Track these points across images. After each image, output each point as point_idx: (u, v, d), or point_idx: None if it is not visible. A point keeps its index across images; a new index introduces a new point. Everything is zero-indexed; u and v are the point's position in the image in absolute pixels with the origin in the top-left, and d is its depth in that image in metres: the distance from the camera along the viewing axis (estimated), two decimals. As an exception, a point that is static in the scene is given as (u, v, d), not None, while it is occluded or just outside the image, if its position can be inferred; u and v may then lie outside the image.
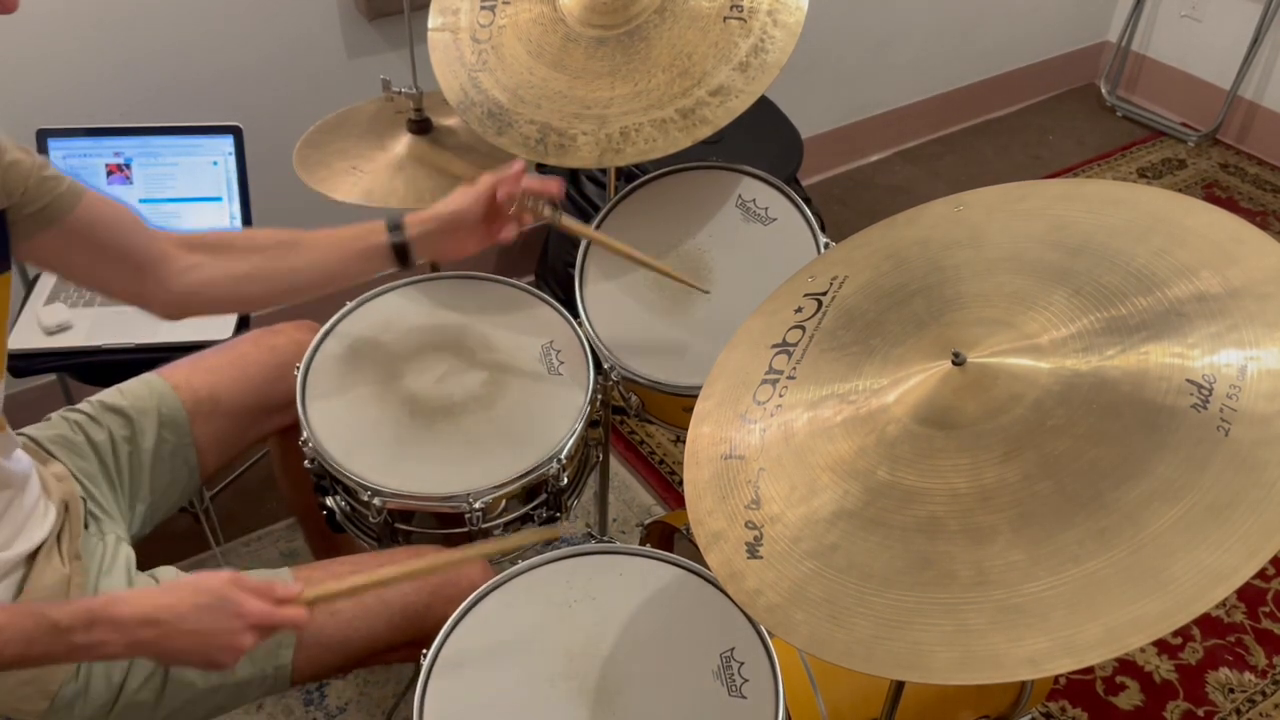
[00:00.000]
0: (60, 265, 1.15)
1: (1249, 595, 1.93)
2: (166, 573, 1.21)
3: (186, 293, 1.21)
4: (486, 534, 1.30)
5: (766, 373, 1.02)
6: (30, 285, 1.73)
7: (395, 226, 1.26)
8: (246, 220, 1.78)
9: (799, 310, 1.06)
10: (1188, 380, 0.80)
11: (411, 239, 1.26)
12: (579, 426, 1.32)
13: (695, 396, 1.06)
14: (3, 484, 1.08)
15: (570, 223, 1.36)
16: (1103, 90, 3.34)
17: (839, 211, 2.87)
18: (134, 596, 0.99)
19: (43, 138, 1.71)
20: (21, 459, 1.12)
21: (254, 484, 2.05)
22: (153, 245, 1.18)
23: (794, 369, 1.00)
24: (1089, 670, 1.81)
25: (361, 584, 1.11)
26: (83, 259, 1.14)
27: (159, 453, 1.33)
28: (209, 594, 0.99)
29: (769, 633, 1.09)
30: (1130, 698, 1.77)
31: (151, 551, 1.30)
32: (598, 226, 1.51)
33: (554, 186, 1.30)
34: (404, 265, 1.28)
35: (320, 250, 1.26)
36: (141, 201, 1.76)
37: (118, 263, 1.16)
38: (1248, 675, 1.80)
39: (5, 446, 1.10)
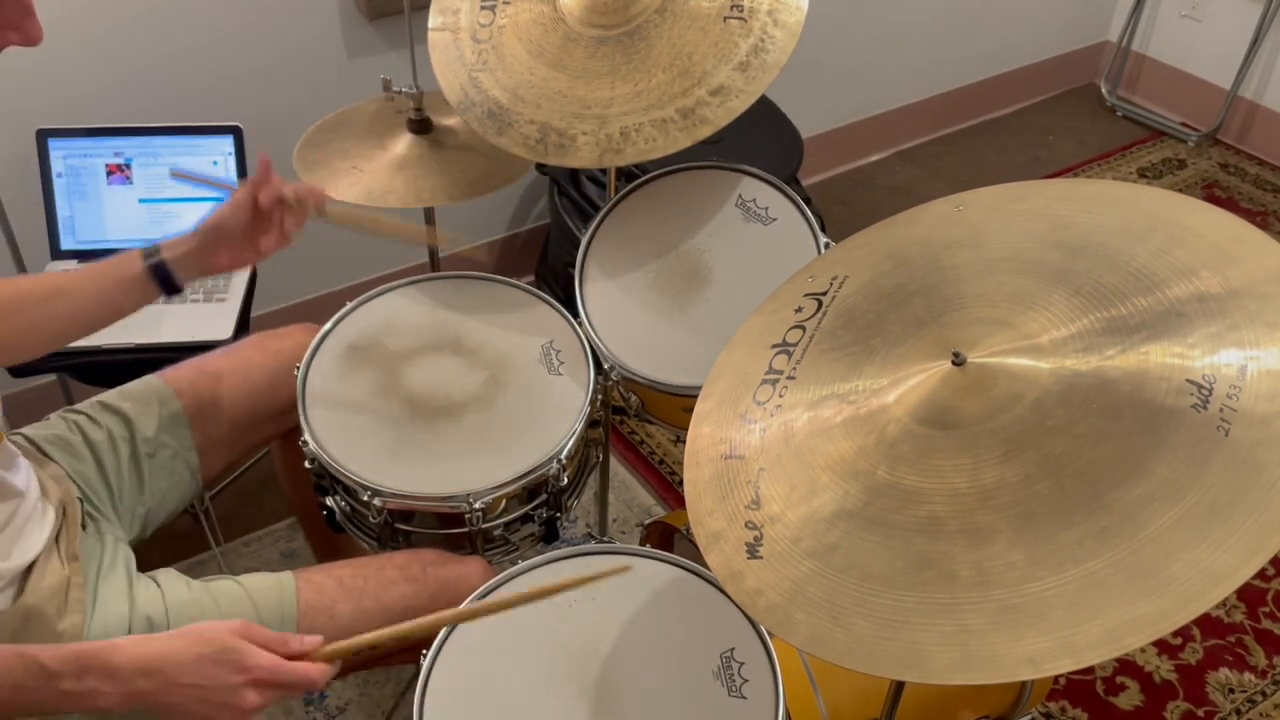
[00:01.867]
0: None
1: (1249, 595, 1.93)
2: (167, 574, 1.21)
3: None
4: (487, 534, 1.30)
5: (766, 373, 1.02)
6: (30, 285, 1.73)
7: (151, 252, 1.20)
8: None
9: (799, 310, 1.06)
10: (1188, 380, 0.80)
11: (169, 260, 1.20)
12: (579, 426, 1.32)
13: (695, 396, 1.06)
14: (2, 497, 1.08)
15: (340, 213, 1.31)
16: (1103, 90, 3.34)
17: (839, 211, 2.87)
18: (131, 644, 0.92)
19: (43, 138, 1.71)
20: (21, 468, 1.12)
21: (254, 484, 2.05)
22: None
23: (794, 369, 1.00)
24: (1089, 670, 1.81)
25: (385, 636, 1.00)
26: None
27: (159, 456, 1.33)
28: (211, 644, 0.91)
29: (769, 633, 1.09)
30: (1130, 698, 1.77)
31: (152, 551, 1.30)
32: (598, 226, 1.51)
33: (316, 189, 1.26)
34: (170, 291, 1.21)
35: (83, 293, 1.20)
36: (141, 202, 1.76)
37: None
38: (1248, 675, 1.80)
39: (6, 459, 1.10)
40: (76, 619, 1.10)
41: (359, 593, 1.20)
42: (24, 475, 1.12)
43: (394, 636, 1.01)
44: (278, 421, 1.42)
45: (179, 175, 1.34)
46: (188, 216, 1.77)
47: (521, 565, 1.18)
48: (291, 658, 0.94)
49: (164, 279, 1.20)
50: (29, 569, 1.09)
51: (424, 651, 1.10)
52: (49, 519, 1.13)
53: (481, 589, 1.16)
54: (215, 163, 1.76)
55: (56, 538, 1.14)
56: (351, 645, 0.97)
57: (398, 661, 1.27)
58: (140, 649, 0.91)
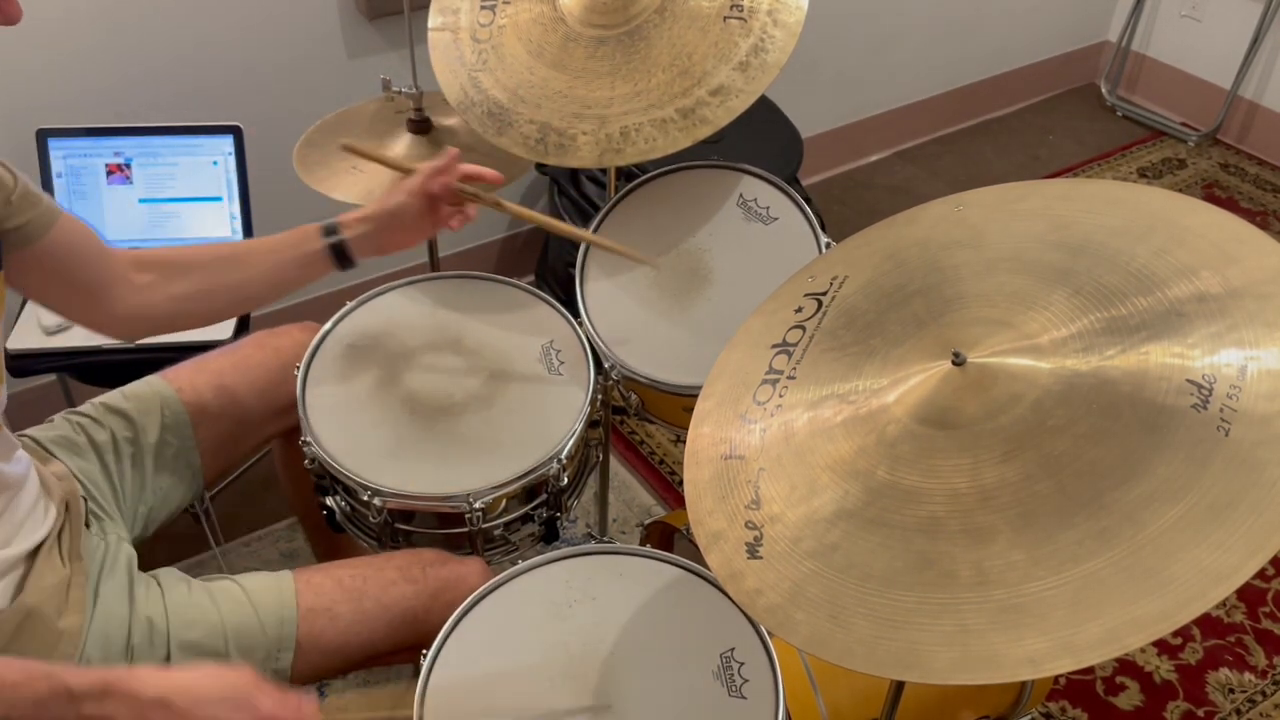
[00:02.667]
0: (23, 284, 1.14)
1: (1249, 595, 1.93)
2: (168, 574, 1.21)
3: (134, 316, 1.21)
4: (487, 534, 1.30)
5: (766, 373, 1.02)
6: (30, 285, 1.73)
7: (330, 230, 1.26)
8: (246, 220, 1.78)
9: (799, 310, 1.06)
10: (1188, 380, 0.80)
11: (349, 240, 1.26)
12: (579, 426, 1.32)
13: (695, 396, 1.06)
14: (1, 486, 1.08)
15: (513, 206, 1.37)
16: (1103, 90, 3.35)
17: (839, 211, 2.87)
18: (153, 674, 0.95)
19: (43, 138, 1.71)
20: (21, 460, 1.12)
21: (254, 484, 2.05)
22: (111, 269, 1.18)
23: (794, 369, 1.00)
24: (1089, 670, 1.81)
25: (384, 717, 1.08)
26: (41, 279, 1.14)
27: (161, 455, 1.33)
28: (231, 687, 0.95)
29: (769, 633, 1.09)
30: (1130, 698, 1.77)
31: (152, 551, 1.30)
32: (598, 226, 1.51)
33: (490, 172, 1.31)
34: (344, 267, 1.28)
35: (259, 263, 1.26)
36: (141, 201, 1.76)
37: (76, 287, 1.16)
38: (1248, 675, 1.80)
39: (5, 449, 1.10)
40: (76, 618, 1.10)
41: (358, 593, 1.20)
42: (23, 466, 1.12)
43: (396, 715, 1.05)
44: (279, 420, 1.42)
45: (353, 150, 1.39)
46: (188, 216, 1.77)
47: (521, 566, 1.18)
48: (295, 716, 0.97)
49: (341, 257, 1.27)
50: (29, 567, 1.09)
51: (424, 651, 1.10)
52: (50, 515, 1.13)
53: (478, 592, 1.16)
54: (215, 163, 1.76)
55: (59, 536, 1.14)
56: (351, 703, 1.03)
57: (395, 661, 1.27)
58: (162, 679, 0.94)
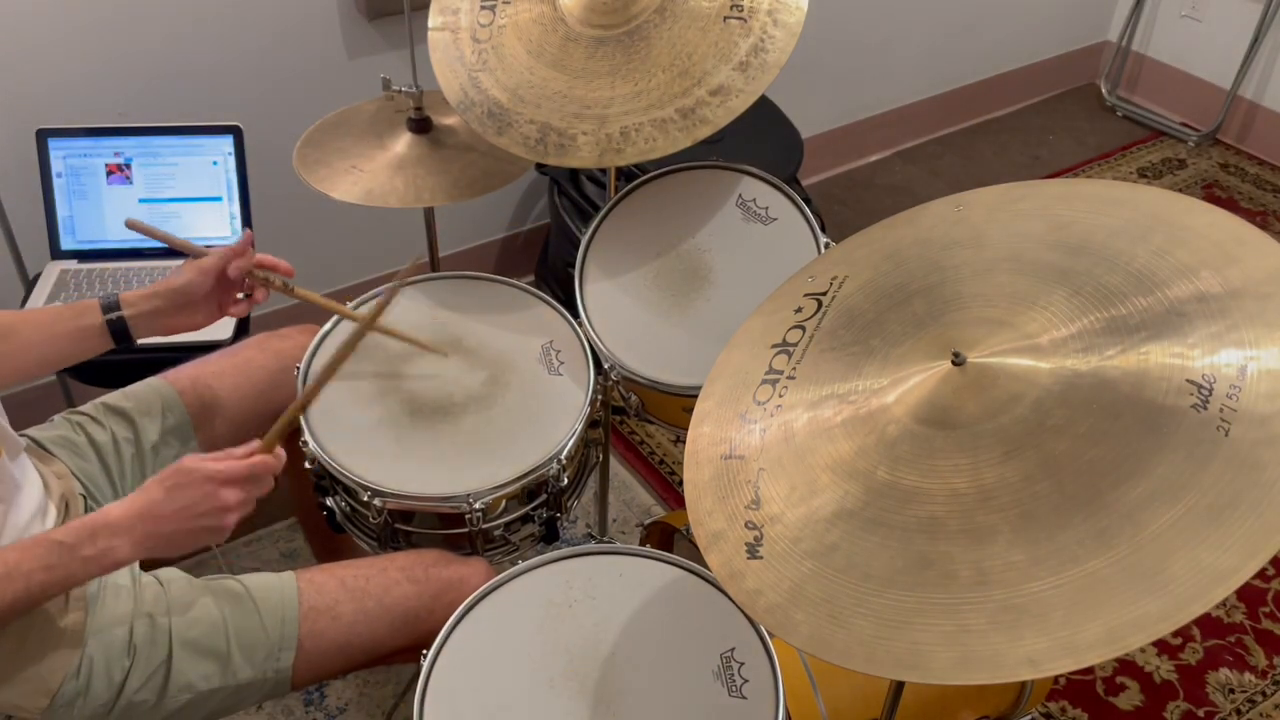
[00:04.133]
0: None
1: (1249, 595, 1.93)
2: (169, 573, 1.21)
3: None
4: (487, 534, 1.30)
5: (766, 373, 1.02)
6: (30, 285, 1.73)
7: (110, 306, 1.21)
8: (246, 219, 1.78)
9: (799, 310, 1.06)
10: (1188, 380, 0.80)
11: (129, 317, 1.22)
12: (579, 426, 1.32)
13: (695, 396, 1.06)
14: (9, 487, 1.08)
15: (305, 293, 1.33)
16: (1103, 90, 3.34)
17: (839, 211, 2.87)
18: (118, 503, 1.04)
19: (43, 138, 1.71)
20: (25, 460, 1.12)
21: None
22: None
23: (794, 369, 1.00)
24: (1089, 670, 1.81)
25: (299, 405, 1.16)
26: None
27: (161, 456, 1.33)
28: (175, 476, 1.04)
29: (769, 633, 1.09)
30: (1130, 698, 1.77)
31: (152, 551, 1.30)
32: (598, 226, 1.51)
33: (283, 264, 1.29)
34: (124, 344, 1.23)
35: (30, 335, 1.20)
36: (141, 201, 1.76)
37: None
38: (1248, 675, 1.80)
39: (12, 448, 1.10)
40: (78, 616, 1.11)
41: (361, 593, 1.21)
42: (27, 467, 1.12)
43: (302, 399, 1.18)
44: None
45: (135, 228, 1.31)
46: (188, 216, 1.77)
47: (521, 566, 1.18)
48: (241, 458, 1.07)
49: (120, 334, 1.22)
50: None
51: (424, 651, 1.10)
52: (51, 515, 1.13)
53: (479, 591, 1.16)
54: (215, 163, 1.76)
55: None
56: (281, 426, 1.12)
57: (398, 661, 1.27)
58: (125, 506, 1.03)
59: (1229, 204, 2.96)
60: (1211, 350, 0.81)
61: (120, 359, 1.60)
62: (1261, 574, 1.57)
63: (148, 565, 1.23)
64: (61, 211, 1.74)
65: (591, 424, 1.38)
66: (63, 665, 1.08)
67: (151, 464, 1.32)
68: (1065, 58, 3.32)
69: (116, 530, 1.01)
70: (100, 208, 1.75)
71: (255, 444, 1.10)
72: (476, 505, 1.24)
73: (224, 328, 1.65)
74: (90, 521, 1.01)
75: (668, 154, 1.34)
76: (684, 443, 1.05)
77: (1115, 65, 3.33)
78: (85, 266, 1.74)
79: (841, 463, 0.89)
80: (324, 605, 1.19)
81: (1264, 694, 1.77)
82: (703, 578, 1.15)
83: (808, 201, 1.53)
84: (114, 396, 1.34)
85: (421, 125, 1.58)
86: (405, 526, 1.31)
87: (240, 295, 1.30)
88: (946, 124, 3.22)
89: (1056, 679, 1.74)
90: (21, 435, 1.24)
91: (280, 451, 1.11)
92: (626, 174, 1.77)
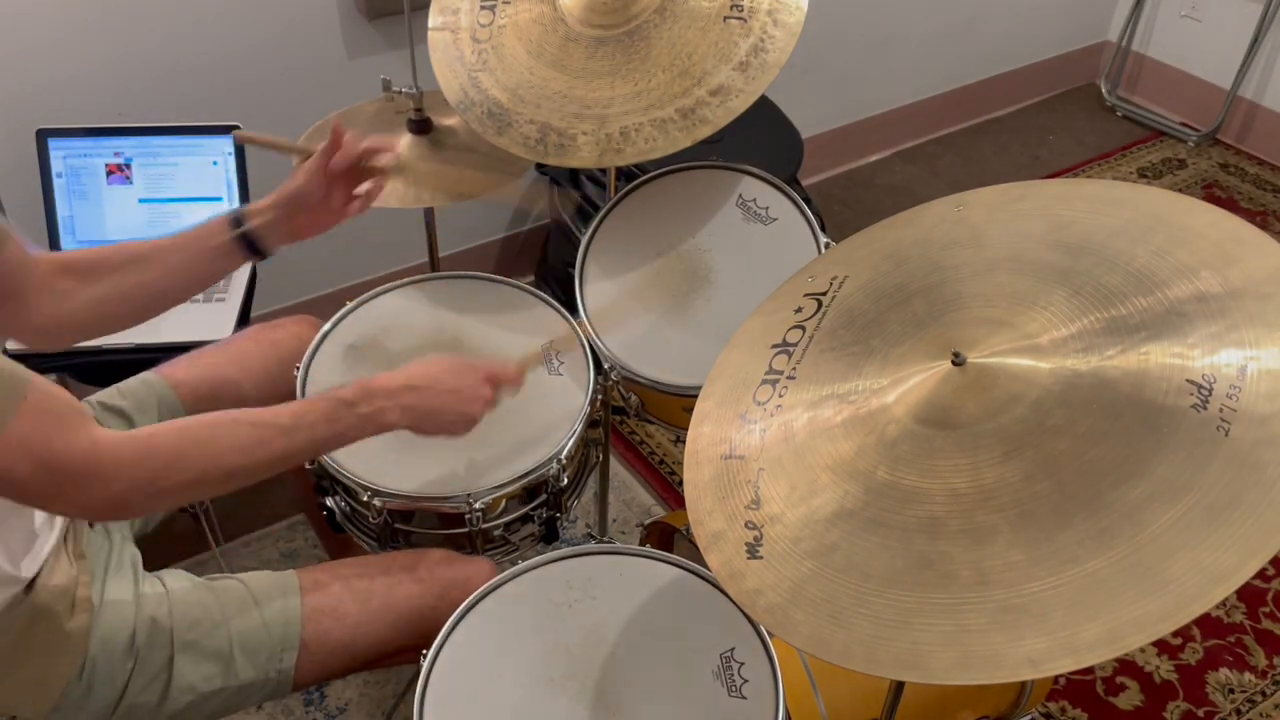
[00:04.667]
0: None
1: (1249, 595, 1.93)
2: (173, 574, 1.21)
3: (55, 324, 1.16)
4: (487, 534, 1.30)
5: (766, 373, 1.02)
6: (30, 285, 1.73)
7: (237, 220, 1.22)
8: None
9: (799, 310, 1.06)
10: (1188, 380, 0.80)
11: (256, 228, 1.22)
12: (579, 426, 1.32)
13: (695, 396, 1.06)
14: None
15: (415, 168, 1.35)
16: (1103, 90, 3.34)
17: (839, 211, 2.87)
18: (388, 374, 1.13)
19: (43, 138, 1.71)
20: None
21: (254, 484, 2.04)
22: (31, 276, 1.14)
23: (794, 369, 1.00)
24: (1089, 670, 1.81)
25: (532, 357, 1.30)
26: None
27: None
28: (449, 361, 1.17)
29: (769, 633, 1.09)
30: (1130, 698, 1.77)
31: (152, 551, 1.30)
32: (598, 226, 1.51)
33: (385, 144, 1.29)
34: (257, 257, 1.24)
35: (168, 260, 1.21)
36: (141, 201, 1.76)
37: None
38: (1248, 675, 1.80)
39: None
40: (84, 618, 1.10)
41: (365, 592, 1.20)
42: None
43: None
44: None
45: (243, 139, 1.36)
46: (188, 216, 1.77)
47: (521, 565, 1.18)
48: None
49: (252, 246, 1.23)
50: (39, 570, 1.09)
51: (424, 651, 1.10)
52: (57, 521, 1.13)
53: (482, 589, 1.16)
54: (215, 163, 1.76)
55: (65, 536, 1.14)
56: (530, 357, 1.32)
57: (398, 661, 1.27)
58: (399, 373, 1.14)
59: (1229, 204, 2.96)
60: (1211, 350, 0.81)
61: (119, 359, 1.61)
62: (1261, 574, 1.57)
63: (151, 565, 1.23)
64: (61, 211, 1.74)
65: (591, 424, 1.38)
66: (66, 667, 1.08)
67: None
68: (1065, 58, 3.32)
69: (390, 393, 1.10)
70: (100, 208, 1.75)
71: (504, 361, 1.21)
72: (476, 505, 1.24)
73: (224, 326, 1.65)
74: (365, 384, 1.10)
75: (668, 154, 1.34)
76: (684, 443, 1.05)
77: (1115, 65, 3.33)
78: (85, 266, 1.74)
79: (841, 463, 0.89)
80: (327, 605, 1.19)
81: (1264, 694, 1.77)
82: (703, 578, 1.15)
83: (808, 201, 1.53)
84: (109, 394, 1.34)
85: (422, 126, 1.58)
86: (405, 526, 1.31)
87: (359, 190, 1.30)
88: (946, 124, 3.22)
89: (1056, 679, 1.74)
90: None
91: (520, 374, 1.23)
92: (626, 174, 1.77)
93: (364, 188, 1.30)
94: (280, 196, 1.24)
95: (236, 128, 1.75)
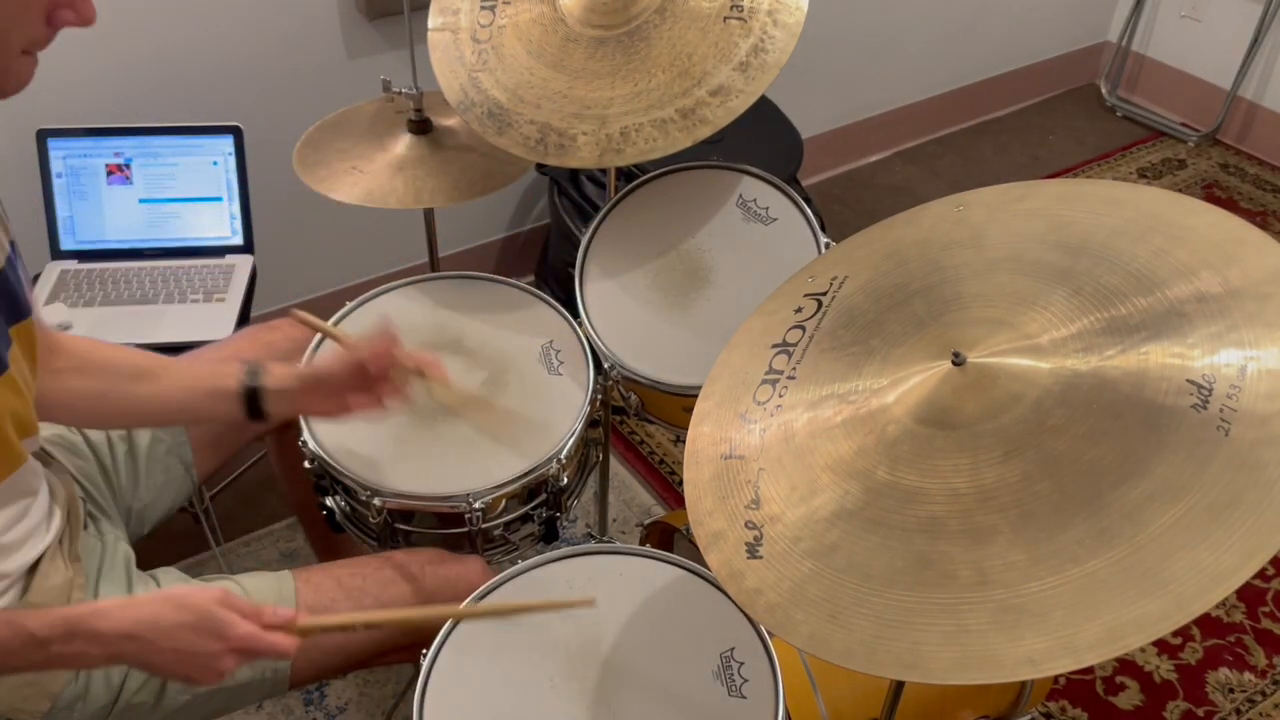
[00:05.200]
0: None
1: (1249, 595, 1.93)
2: (168, 573, 1.21)
3: (40, 398, 1.10)
4: (487, 534, 1.30)
5: (766, 373, 1.02)
6: (30, 285, 1.73)
7: (253, 372, 1.18)
8: (246, 220, 1.78)
9: (799, 310, 1.06)
10: (1188, 380, 0.80)
11: (265, 387, 1.18)
12: (579, 426, 1.32)
13: (695, 396, 1.06)
14: (24, 490, 1.08)
15: (443, 392, 1.26)
16: (1103, 90, 3.34)
17: (839, 211, 2.87)
18: (116, 610, 0.96)
19: (43, 138, 1.71)
20: (37, 468, 1.12)
21: (254, 484, 2.04)
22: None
23: (794, 369, 1.00)
24: (1089, 670, 1.81)
25: (357, 622, 1.11)
26: None
27: (154, 452, 1.33)
28: (194, 612, 0.95)
29: (769, 633, 1.09)
30: (1130, 698, 1.77)
31: (152, 551, 1.30)
32: (598, 226, 1.51)
33: (428, 359, 1.21)
34: (254, 417, 1.19)
35: (170, 384, 1.18)
36: (141, 202, 1.76)
37: None
38: (1248, 675, 1.80)
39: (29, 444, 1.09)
40: None
41: (358, 592, 1.20)
42: (39, 474, 1.12)
43: (367, 622, 1.09)
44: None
45: (301, 321, 1.27)
46: (188, 216, 1.77)
47: (521, 565, 1.18)
48: (267, 628, 0.98)
49: (253, 405, 1.18)
50: (33, 569, 1.09)
51: (424, 651, 1.10)
52: (56, 519, 1.13)
53: (479, 590, 1.16)
54: (215, 163, 1.76)
55: (60, 539, 1.14)
56: (324, 623, 1.05)
57: (398, 661, 1.27)
58: (126, 614, 0.95)
59: (1229, 204, 2.95)
60: (1211, 350, 0.81)
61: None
62: (1261, 574, 1.57)
63: (145, 565, 1.23)
64: (61, 211, 1.74)
65: (591, 424, 1.38)
66: (63, 670, 1.08)
67: (145, 461, 1.32)
68: (1065, 58, 3.32)
69: (98, 639, 0.94)
70: (100, 208, 1.75)
71: (288, 614, 1.00)
72: (476, 505, 1.24)
73: (224, 327, 1.65)
74: (74, 619, 0.94)
75: (668, 154, 1.34)
76: (684, 443, 1.05)
77: (1115, 65, 3.33)
78: (85, 266, 1.74)
79: (841, 463, 0.89)
80: (322, 605, 1.19)
81: (1264, 694, 1.77)
82: (703, 578, 1.15)
83: (808, 201, 1.53)
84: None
85: (421, 126, 1.58)
86: (405, 526, 1.31)
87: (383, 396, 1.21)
88: (946, 124, 3.22)
89: (1056, 679, 1.75)
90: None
91: (294, 642, 1.00)
92: (626, 174, 1.77)
93: (386, 394, 1.20)
94: (307, 372, 1.22)
95: (237, 128, 1.75)
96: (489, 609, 1.15)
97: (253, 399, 1.18)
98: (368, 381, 1.19)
